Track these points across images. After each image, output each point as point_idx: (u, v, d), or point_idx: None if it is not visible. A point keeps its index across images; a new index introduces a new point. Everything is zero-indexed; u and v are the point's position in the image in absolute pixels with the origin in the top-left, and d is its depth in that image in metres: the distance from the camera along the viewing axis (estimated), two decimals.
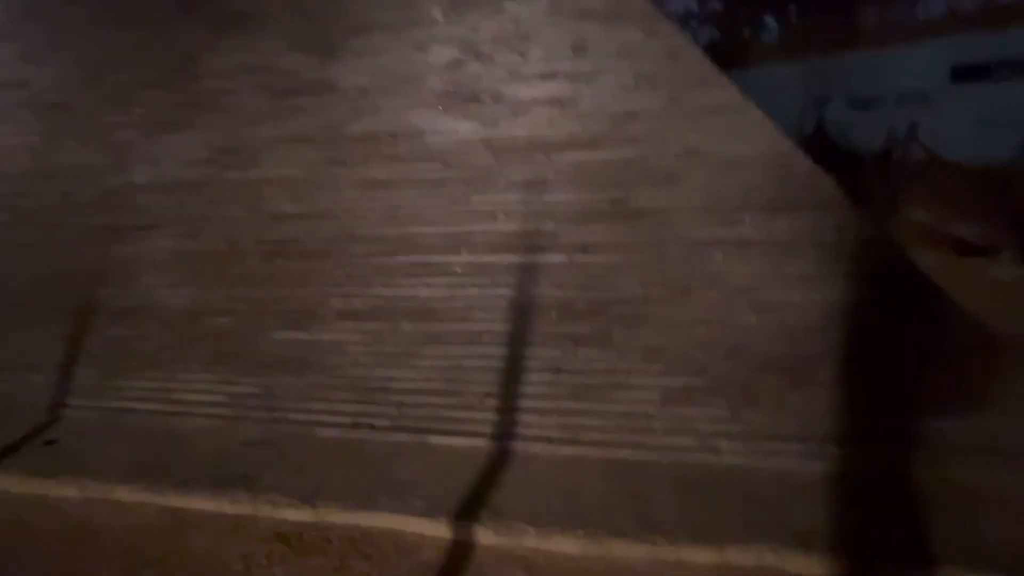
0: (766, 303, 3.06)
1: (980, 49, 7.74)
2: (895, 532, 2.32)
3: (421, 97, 3.88)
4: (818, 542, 2.25)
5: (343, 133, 3.96)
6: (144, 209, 4.18)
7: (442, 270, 3.50)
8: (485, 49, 3.84)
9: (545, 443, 2.92)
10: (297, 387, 3.39)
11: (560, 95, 3.66)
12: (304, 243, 3.76)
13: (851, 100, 9.93)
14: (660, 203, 3.35)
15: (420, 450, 3.06)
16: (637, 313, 3.18)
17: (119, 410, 3.55)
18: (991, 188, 6.25)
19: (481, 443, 2.98)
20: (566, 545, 2.42)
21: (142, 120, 4.43)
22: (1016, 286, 4.74)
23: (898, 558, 2.19)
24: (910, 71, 8.79)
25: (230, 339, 3.64)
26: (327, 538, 2.61)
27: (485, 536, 2.50)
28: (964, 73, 8.07)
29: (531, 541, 2.45)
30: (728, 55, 11.56)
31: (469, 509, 2.60)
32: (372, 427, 3.15)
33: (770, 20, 15.60)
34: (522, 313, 3.29)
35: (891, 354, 2.83)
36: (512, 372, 3.15)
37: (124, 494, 2.99)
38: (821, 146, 8.28)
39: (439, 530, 2.55)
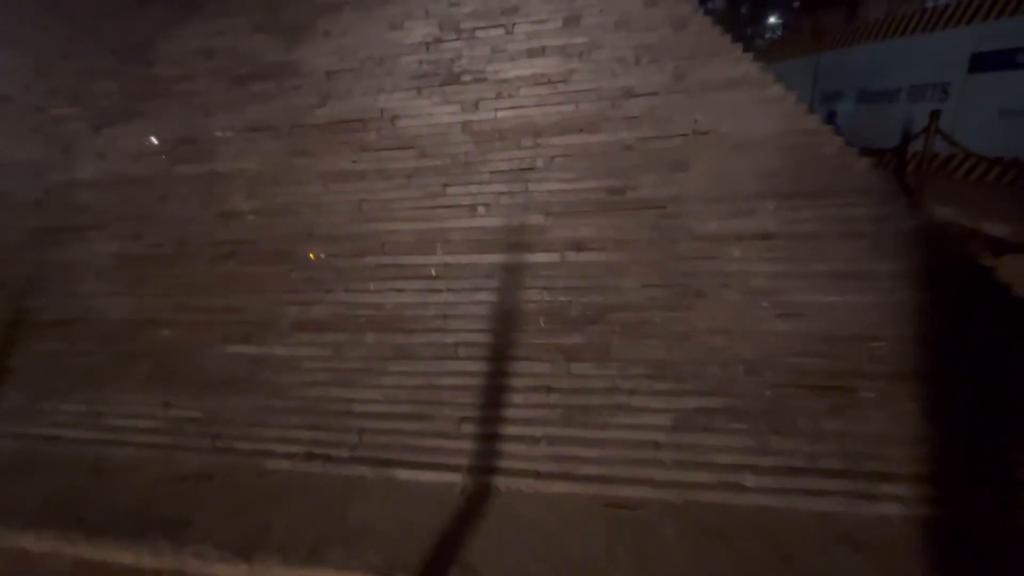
0: (794, 307, 2.57)
1: (1000, 37, 7.25)
2: None
3: (394, 79, 3.45)
4: None
5: (307, 120, 3.52)
6: (86, 208, 3.74)
7: (414, 272, 3.03)
8: (466, 25, 3.41)
9: (532, 478, 2.43)
10: (244, 410, 2.91)
11: (550, 72, 3.22)
12: (259, 244, 3.30)
13: (862, 94, 9.48)
14: (665, 192, 2.88)
15: (383, 487, 2.56)
16: (640, 320, 2.69)
17: (43, 438, 3.07)
18: (1019, 182, 5.86)
19: (455, 478, 2.48)
20: None
21: (90, 112, 4.02)
22: None
23: None
24: (924, 62, 8.32)
25: (172, 354, 3.16)
26: None
27: None
28: (984, 62, 7.58)
29: None
30: None
31: (437, 565, 2.10)
32: (328, 458, 2.66)
33: (773, 17, 15.27)
34: (505, 322, 2.80)
35: (953, 367, 2.33)
36: (493, 392, 2.66)
37: (30, 542, 2.50)
38: None
39: None
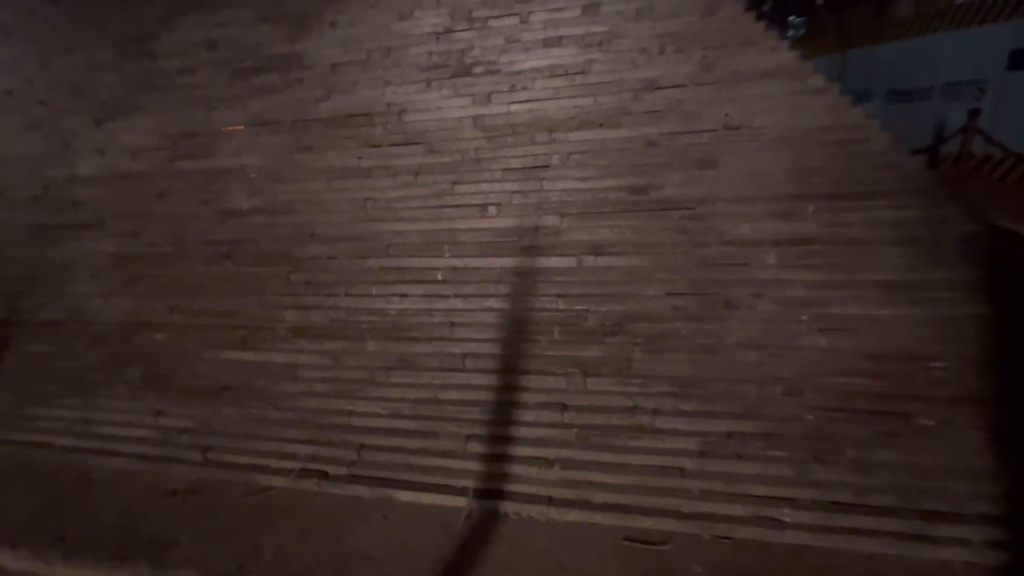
0: (838, 320, 2.31)
1: None
2: None
3: (402, 71, 3.26)
4: None
5: (311, 115, 3.35)
6: (84, 205, 3.61)
7: (419, 276, 2.83)
8: (479, 14, 3.21)
9: (544, 505, 2.20)
10: (238, 420, 2.73)
11: (567, 63, 3.00)
12: (259, 243, 3.13)
13: (892, 93, 9.09)
14: (692, 191, 2.64)
15: (382, 509, 2.36)
16: (664, 332, 2.46)
17: (31, 444, 2.92)
18: None
19: (460, 502, 2.27)
20: None
21: (91, 106, 3.89)
22: None
23: None
24: (959, 60, 7.93)
25: (165, 359, 3.00)
26: None
27: None
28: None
29: None
30: None
31: None
32: (325, 476, 2.47)
33: (795, 18, 14.85)
34: (516, 331, 2.59)
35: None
36: (502, 408, 2.44)
37: (7, 560, 2.34)
38: None
39: None
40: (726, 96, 2.72)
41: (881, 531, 1.94)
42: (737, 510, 2.08)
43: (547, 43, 3.05)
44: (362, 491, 2.41)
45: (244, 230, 3.20)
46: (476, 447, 2.40)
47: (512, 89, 3.04)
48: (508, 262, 2.72)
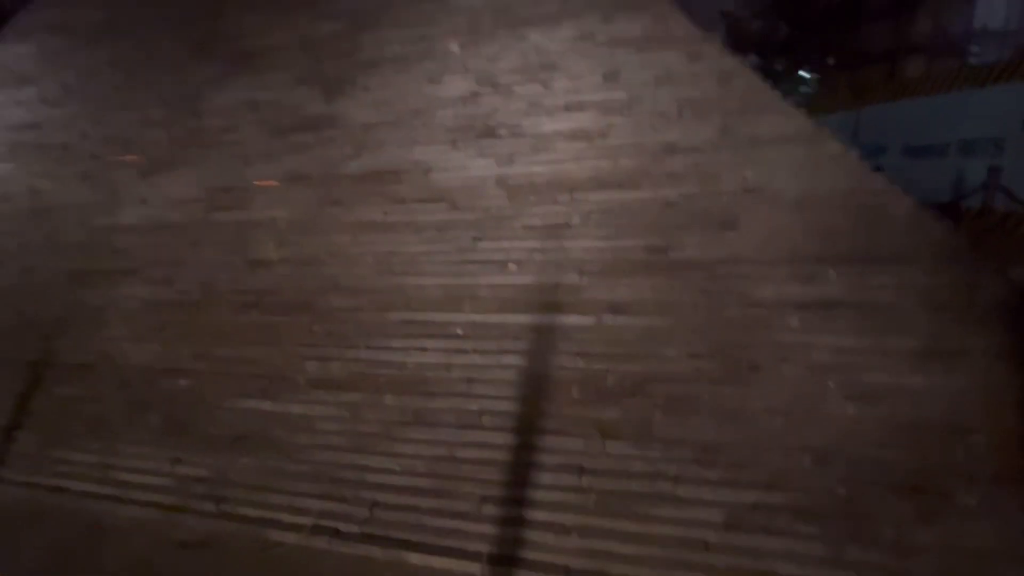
0: (867, 388, 2.24)
1: None
2: None
3: (430, 132, 3.43)
4: None
5: (342, 171, 3.51)
6: (123, 252, 3.79)
7: (439, 331, 2.85)
8: (504, 80, 3.39)
9: (561, 575, 2.11)
10: (253, 471, 2.72)
11: (588, 127, 3.12)
12: (283, 293, 3.22)
13: (907, 149, 9.16)
14: (713, 252, 2.66)
15: (393, 571, 2.29)
16: (687, 395, 2.41)
17: (50, 488, 2.95)
18: None
19: (473, 568, 2.19)
20: None
21: (140, 160, 4.16)
22: None
23: None
24: (975, 118, 8.02)
25: (186, 406, 3.05)
26: None
27: None
28: None
29: None
30: None
31: None
32: (336, 533, 2.42)
33: (806, 74, 15.26)
34: (535, 389, 2.57)
35: None
36: (520, 470, 2.39)
37: None
38: None
39: None
40: (745, 160, 2.78)
41: None
42: None
43: (568, 107, 3.19)
44: (374, 551, 2.35)
45: (271, 280, 3.30)
46: (491, 509, 2.34)
47: (534, 151, 3.16)
48: (527, 319, 2.73)
